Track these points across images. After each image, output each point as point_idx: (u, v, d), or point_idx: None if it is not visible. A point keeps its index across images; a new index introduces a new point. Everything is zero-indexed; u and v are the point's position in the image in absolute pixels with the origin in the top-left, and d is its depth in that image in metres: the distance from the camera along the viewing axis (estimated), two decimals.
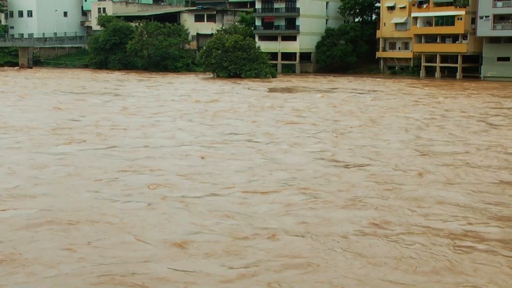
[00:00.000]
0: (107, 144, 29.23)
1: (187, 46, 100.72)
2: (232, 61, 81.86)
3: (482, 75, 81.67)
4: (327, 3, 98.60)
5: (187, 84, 70.69)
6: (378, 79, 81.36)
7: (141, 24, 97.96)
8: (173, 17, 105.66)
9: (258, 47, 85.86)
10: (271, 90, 63.27)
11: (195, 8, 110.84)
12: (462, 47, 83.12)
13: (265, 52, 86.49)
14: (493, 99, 54.46)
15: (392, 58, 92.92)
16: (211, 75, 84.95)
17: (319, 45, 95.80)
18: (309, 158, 26.27)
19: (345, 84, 73.46)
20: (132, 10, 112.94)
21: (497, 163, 25.48)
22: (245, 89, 64.36)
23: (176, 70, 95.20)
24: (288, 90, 63.84)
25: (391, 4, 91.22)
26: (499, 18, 79.37)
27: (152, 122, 37.45)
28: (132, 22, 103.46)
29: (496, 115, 42.42)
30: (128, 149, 27.91)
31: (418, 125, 36.89)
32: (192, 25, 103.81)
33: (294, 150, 28.07)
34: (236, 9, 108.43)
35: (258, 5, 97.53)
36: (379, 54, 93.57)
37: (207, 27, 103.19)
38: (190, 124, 36.45)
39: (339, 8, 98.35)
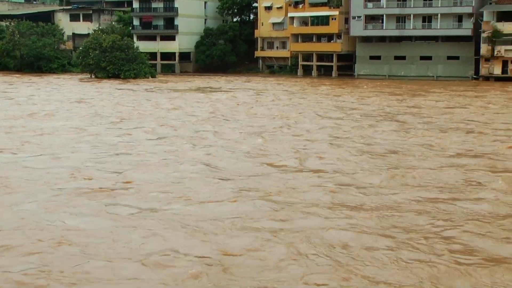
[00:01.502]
0: None
1: (62, 47, 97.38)
2: (111, 62, 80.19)
3: (356, 73, 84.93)
4: (205, 2, 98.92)
5: (64, 86, 68.35)
6: (271, 78, 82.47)
7: (12, 24, 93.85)
8: (47, 17, 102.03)
9: (137, 47, 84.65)
10: (179, 90, 62.45)
11: (70, 7, 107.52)
12: (336, 46, 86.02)
13: (144, 52, 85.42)
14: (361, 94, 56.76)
15: (270, 58, 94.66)
16: (89, 76, 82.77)
17: (198, 45, 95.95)
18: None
19: (243, 84, 73.87)
20: (2, 8, 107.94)
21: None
22: (146, 91, 63.19)
23: (51, 71, 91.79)
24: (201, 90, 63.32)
25: (268, 4, 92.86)
26: (370, 18, 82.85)
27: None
28: (2, 21, 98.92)
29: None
30: None
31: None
32: (67, 25, 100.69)
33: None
34: (113, 9, 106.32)
35: (135, 5, 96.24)
36: (258, 53, 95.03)
37: (83, 27, 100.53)
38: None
39: (217, 8, 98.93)
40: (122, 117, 38.99)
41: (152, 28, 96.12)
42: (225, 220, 16.22)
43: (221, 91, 62.08)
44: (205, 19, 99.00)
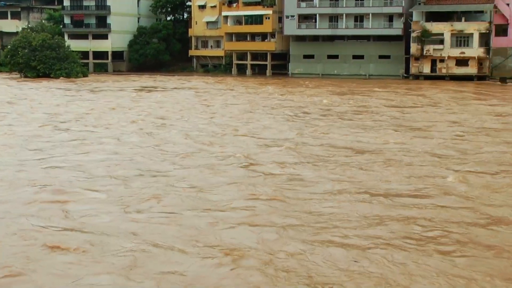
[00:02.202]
0: None
1: None
2: (41, 61, 78.29)
3: (290, 72, 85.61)
4: (138, 1, 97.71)
5: None
6: (208, 77, 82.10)
7: None
8: None
9: (68, 46, 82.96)
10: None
11: None
12: (270, 45, 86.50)
13: (75, 51, 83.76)
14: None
15: (205, 56, 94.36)
16: (18, 75, 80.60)
17: (131, 44, 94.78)
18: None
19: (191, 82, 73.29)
20: None
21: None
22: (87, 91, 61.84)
23: None
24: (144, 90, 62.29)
25: (202, 3, 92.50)
26: (304, 18, 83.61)
27: None
28: None
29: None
30: None
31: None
32: None
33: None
34: (42, 6, 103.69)
35: (66, 3, 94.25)
36: (192, 52, 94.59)
37: (12, 25, 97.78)
38: None
39: (151, 6, 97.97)
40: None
41: (83, 27, 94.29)
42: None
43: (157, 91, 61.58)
44: (138, 18, 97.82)
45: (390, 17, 79.23)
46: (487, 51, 74.22)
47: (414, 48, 76.36)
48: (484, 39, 74.51)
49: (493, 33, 74.76)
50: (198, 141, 28.94)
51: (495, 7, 74.52)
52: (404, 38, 78.79)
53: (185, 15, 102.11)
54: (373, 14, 79.16)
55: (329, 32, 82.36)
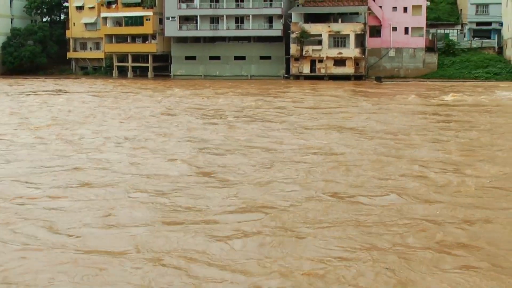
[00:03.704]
0: None
1: None
2: None
3: (172, 74, 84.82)
4: (11, 1, 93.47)
5: None
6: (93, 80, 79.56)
7: None
8: None
9: None
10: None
11: None
12: (152, 47, 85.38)
13: None
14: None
15: (84, 59, 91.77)
16: None
17: (4, 46, 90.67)
18: None
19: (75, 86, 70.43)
20: None
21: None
22: None
23: None
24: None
25: (79, 4, 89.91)
26: (185, 19, 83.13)
27: None
28: None
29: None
30: None
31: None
32: None
33: None
34: None
35: None
36: (70, 54, 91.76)
37: None
38: None
39: (25, 7, 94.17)
40: None
41: None
42: None
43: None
44: (12, 19, 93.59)
45: (270, 19, 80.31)
46: (363, 51, 76.76)
47: (293, 49, 77.72)
48: (360, 40, 77.06)
49: (368, 34, 77.52)
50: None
51: (369, 9, 77.34)
52: (284, 39, 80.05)
53: (62, 16, 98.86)
54: (253, 16, 79.94)
55: (210, 33, 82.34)
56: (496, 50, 79.11)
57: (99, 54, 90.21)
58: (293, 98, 51.21)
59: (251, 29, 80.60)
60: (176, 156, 24.07)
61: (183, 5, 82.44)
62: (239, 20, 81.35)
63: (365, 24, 76.78)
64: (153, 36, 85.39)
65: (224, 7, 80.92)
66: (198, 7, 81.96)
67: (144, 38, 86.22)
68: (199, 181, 19.71)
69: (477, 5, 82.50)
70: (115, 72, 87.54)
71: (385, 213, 16.07)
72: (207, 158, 23.64)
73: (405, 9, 77.58)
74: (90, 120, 36.34)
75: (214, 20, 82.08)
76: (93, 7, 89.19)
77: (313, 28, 77.18)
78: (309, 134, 29.97)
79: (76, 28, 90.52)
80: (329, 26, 77.16)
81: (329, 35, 76.96)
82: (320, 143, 26.99)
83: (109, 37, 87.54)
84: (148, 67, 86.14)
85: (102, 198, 17.64)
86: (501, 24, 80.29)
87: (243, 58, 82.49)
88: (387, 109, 42.40)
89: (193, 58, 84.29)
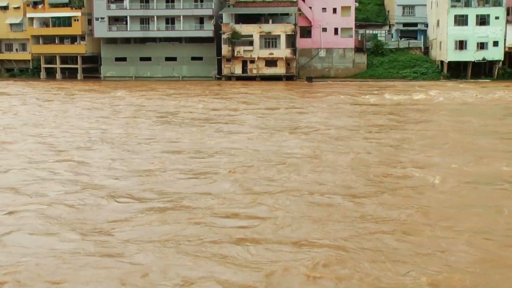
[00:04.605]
0: None
1: None
2: None
3: (102, 75, 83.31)
4: None
5: None
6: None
7: None
8: None
9: None
10: None
11: None
12: (80, 48, 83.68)
13: None
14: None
15: (10, 60, 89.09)
16: None
17: None
18: None
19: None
20: None
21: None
22: None
23: None
24: None
25: (4, 4, 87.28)
26: (114, 20, 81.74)
27: None
28: None
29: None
30: None
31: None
32: None
33: None
34: None
35: None
36: None
37: None
38: None
39: None
40: None
41: None
42: None
43: None
44: None
45: (201, 19, 79.93)
46: (294, 52, 77.33)
47: (225, 49, 77.60)
48: (291, 41, 77.58)
49: (298, 34, 78.24)
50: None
51: (299, 10, 78.06)
52: (215, 40, 79.81)
53: None
54: (184, 16, 79.40)
55: (140, 34, 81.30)
56: (423, 50, 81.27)
57: (25, 56, 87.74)
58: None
59: (182, 29, 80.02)
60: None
61: (113, 6, 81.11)
62: (170, 20, 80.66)
63: (295, 24, 77.39)
64: (82, 37, 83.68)
65: (155, 7, 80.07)
66: (128, 8, 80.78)
67: (73, 39, 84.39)
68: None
69: (404, 7, 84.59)
70: (42, 74, 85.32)
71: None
72: None
73: (334, 10, 78.70)
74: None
75: (145, 20, 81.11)
76: (18, 7, 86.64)
77: (244, 29, 77.28)
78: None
79: (1, 29, 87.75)
80: (260, 27, 77.43)
81: (260, 35, 77.21)
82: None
83: (36, 38, 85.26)
84: (77, 68, 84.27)
85: None
86: (426, 25, 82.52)
87: (174, 59, 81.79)
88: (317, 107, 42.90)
89: (124, 59, 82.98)
